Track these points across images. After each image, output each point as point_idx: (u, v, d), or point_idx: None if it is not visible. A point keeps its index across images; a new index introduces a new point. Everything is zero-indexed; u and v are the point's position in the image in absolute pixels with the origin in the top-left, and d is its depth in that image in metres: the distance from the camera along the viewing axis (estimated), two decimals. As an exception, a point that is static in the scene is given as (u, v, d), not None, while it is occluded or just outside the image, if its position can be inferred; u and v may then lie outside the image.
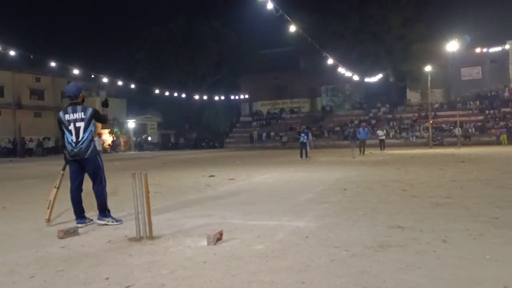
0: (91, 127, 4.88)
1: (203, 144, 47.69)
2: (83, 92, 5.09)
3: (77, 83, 5.30)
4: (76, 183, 4.97)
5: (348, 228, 4.32)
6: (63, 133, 4.94)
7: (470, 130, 35.34)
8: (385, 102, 43.79)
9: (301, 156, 17.77)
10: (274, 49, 49.29)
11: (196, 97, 41.33)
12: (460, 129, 32.61)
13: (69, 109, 4.90)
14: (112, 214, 5.07)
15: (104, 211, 4.93)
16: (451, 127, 35.73)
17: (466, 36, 36.27)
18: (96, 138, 5.08)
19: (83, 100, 5.03)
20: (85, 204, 5.09)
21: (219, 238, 3.89)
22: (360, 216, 4.97)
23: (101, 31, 72.57)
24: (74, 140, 4.85)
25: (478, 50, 36.63)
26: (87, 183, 5.09)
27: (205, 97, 42.16)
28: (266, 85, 49.63)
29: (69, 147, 4.90)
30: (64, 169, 5.17)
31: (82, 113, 4.85)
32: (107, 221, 4.90)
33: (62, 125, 4.92)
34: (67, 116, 4.88)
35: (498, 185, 7.42)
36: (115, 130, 42.19)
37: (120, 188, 8.17)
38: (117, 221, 4.93)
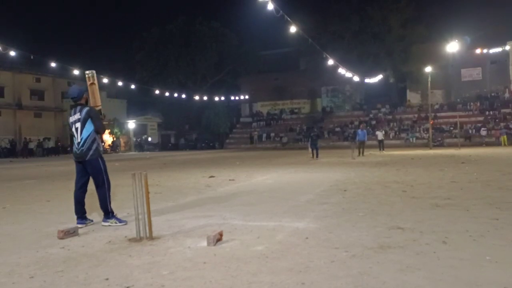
0: (89, 127, 4.85)
1: (203, 144, 47.73)
2: (86, 94, 5.10)
3: (79, 86, 5.30)
4: (80, 183, 5.00)
5: (348, 229, 4.31)
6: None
7: (470, 131, 35.36)
8: (385, 103, 43.80)
9: (316, 156, 18.71)
10: (275, 50, 49.37)
11: (196, 97, 41.36)
12: (486, 130, 32.98)
13: (72, 111, 4.98)
14: (112, 214, 5.08)
15: (107, 213, 4.94)
16: (451, 128, 35.78)
17: (466, 37, 36.28)
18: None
19: (86, 102, 5.05)
20: (87, 205, 5.09)
21: (219, 239, 3.89)
22: (360, 217, 4.96)
23: (101, 32, 72.69)
24: (77, 141, 4.90)
25: (478, 51, 36.60)
26: (92, 184, 5.09)
27: (205, 98, 42.19)
28: (266, 86, 49.64)
29: (74, 148, 4.99)
30: None
31: (79, 113, 4.87)
32: (111, 223, 4.90)
33: (69, 128, 5.05)
34: (70, 119, 4.97)
35: (498, 186, 7.42)
36: (115, 130, 42.23)
37: (120, 189, 8.17)
38: (120, 222, 4.92)
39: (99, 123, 4.96)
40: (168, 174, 12.71)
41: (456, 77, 41.67)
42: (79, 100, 4.98)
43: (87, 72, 5.16)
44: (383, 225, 4.45)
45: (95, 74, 5.19)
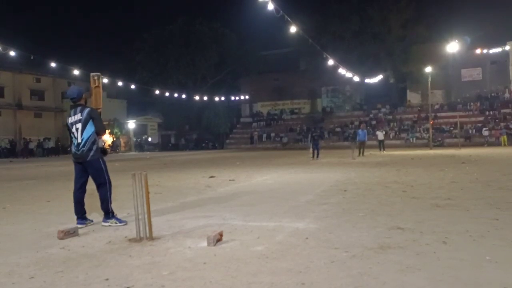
0: (90, 128, 4.85)
1: (203, 145, 47.73)
2: (85, 94, 5.10)
3: (79, 86, 5.33)
4: (79, 184, 4.99)
5: (348, 230, 4.31)
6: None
7: (470, 131, 35.35)
8: (386, 103, 43.81)
9: (316, 156, 18.84)
10: (275, 50, 49.31)
11: (197, 98, 41.34)
12: (487, 130, 33.03)
13: (71, 112, 4.97)
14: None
15: (108, 213, 4.94)
16: (451, 128, 35.79)
17: (466, 37, 36.23)
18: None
19: (85, 102, 5.05)
20: (87, 205, 5.09)
21: (219, 239, 3.89)
22: (360, 217, 4.96)
23: (101, 32, 72.74)
24: (77, 142, 4.89)
25: (478, 51, 36.59)
26: (92, 184, 5.08)
27: (205, 98, 42.16)
28: (266, 86, 49.65)
29: (73, 149, 4.96)
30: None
31: (80, 114, 4.87)
32: (111, 223, 4.90)
33: (68, 129, 5.01)
34: (70, 119, 4.95)
35: (498, 186, 7.41)
36: (115, 130, 42.22)
37: (120, 189, 8.16)
38: (120, 222, 4.93)
39: (101, 124, 4.98)
40: (168, 174, 12.71)
41: (456, 77, 41.67)
42: (78, 100, 4.98)
43: (93, 74, 5.18)
44: (383, 226, 4.45)
45: (100, 77, 5.22)
